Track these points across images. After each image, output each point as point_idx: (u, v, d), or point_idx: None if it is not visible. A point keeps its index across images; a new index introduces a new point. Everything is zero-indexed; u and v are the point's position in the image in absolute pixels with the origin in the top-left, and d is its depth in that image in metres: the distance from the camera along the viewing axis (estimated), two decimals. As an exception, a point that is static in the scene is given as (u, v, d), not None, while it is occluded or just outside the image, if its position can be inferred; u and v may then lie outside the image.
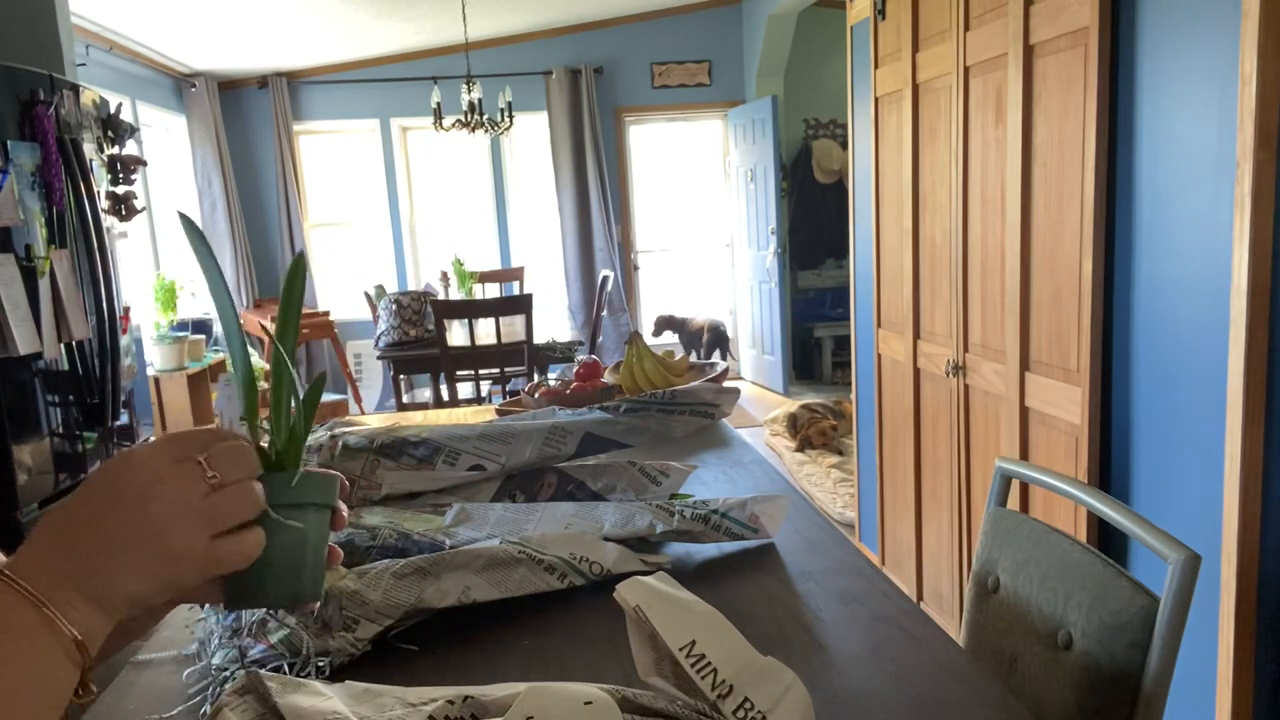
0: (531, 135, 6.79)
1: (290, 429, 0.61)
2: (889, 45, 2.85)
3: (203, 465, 0.53)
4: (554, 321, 6.81)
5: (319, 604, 0.88)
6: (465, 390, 4.75)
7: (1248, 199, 1.46)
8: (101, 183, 2.74)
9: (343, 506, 0.63)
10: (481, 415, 2.07)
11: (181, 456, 0.53)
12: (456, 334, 4.40)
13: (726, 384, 1.63)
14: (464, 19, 5.41)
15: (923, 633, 0.95)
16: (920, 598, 2.91)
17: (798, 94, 6.81)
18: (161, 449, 0.54)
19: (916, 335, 2.79)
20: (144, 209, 3.23)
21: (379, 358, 4.61)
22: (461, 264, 5.16)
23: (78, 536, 0.51)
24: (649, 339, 6.66)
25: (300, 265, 0.66)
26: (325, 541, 0.62)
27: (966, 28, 2.32)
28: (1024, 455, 2.18)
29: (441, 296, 5.19)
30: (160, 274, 4.74)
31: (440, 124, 5.14)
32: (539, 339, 4.48)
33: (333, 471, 0.62)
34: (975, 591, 1.34)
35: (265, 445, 0.61)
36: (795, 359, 6.79)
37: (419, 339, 4.54)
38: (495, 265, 6.78)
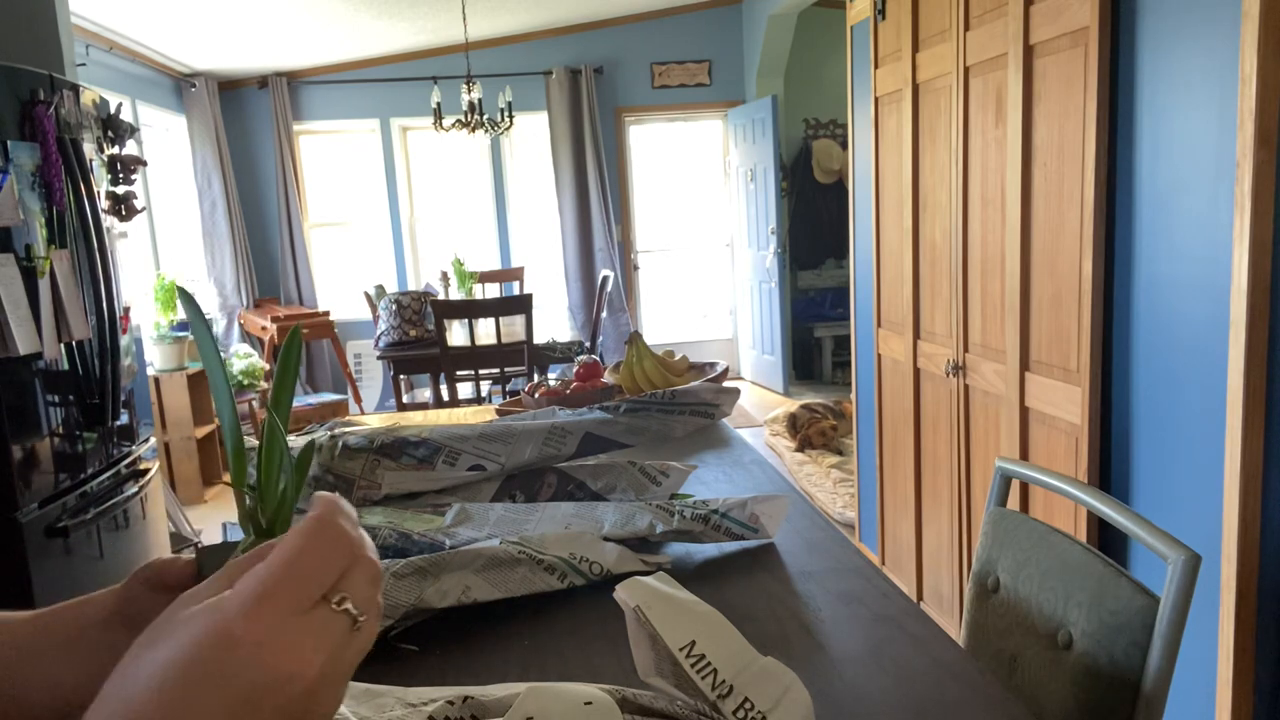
0: (531, 135, 6.79)
1: (281, 496, 0.61)
2: (889, 45, 2.85)
3: (350, 612, 0.40)
4: (554, 321, 6.81)
5: None
6: (465, 390, 4.75)
7: (1248, 199, 1.46)
8: (101, 183, 2.73)
9: None
10: (481, 415, 2.07)
11: (308, 602, 0.39)
12: (456, 334, 4.40)
13: (726, 384, 1.63)
14: (464, 19, 5.41)
15: (923, 633, 0.94)
16: (920, 598, 2.91)
17: (798, 94, 6.81)
18: (274, 601, 0.38)
19: (916, 335, 2.78)
20: (144, 209, 3.23)
21: (379, 358, 4.61)
22: (461, 264, 5.16)
23: None
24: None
25: (295, 339, 0.65)
26: None
27: (966, 28, 2.32)
28: (1024, 455, 2.18)
29: (441, 296, 5.19)
30: (160, 274, 4.74)
31: (440, 124, 5.14)
32: (539, 339, 4.48)
33: None
34: (975, 591, 1.34)
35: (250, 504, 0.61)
36: (795, 359, 6.79)
37: (419, 339, 4.54)
38: (495, 265, 6.78)
